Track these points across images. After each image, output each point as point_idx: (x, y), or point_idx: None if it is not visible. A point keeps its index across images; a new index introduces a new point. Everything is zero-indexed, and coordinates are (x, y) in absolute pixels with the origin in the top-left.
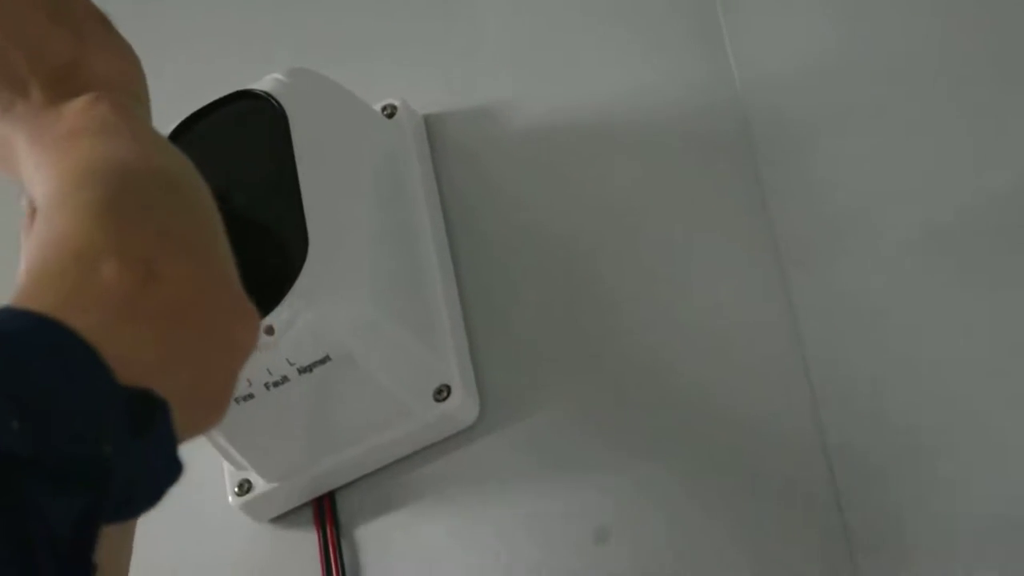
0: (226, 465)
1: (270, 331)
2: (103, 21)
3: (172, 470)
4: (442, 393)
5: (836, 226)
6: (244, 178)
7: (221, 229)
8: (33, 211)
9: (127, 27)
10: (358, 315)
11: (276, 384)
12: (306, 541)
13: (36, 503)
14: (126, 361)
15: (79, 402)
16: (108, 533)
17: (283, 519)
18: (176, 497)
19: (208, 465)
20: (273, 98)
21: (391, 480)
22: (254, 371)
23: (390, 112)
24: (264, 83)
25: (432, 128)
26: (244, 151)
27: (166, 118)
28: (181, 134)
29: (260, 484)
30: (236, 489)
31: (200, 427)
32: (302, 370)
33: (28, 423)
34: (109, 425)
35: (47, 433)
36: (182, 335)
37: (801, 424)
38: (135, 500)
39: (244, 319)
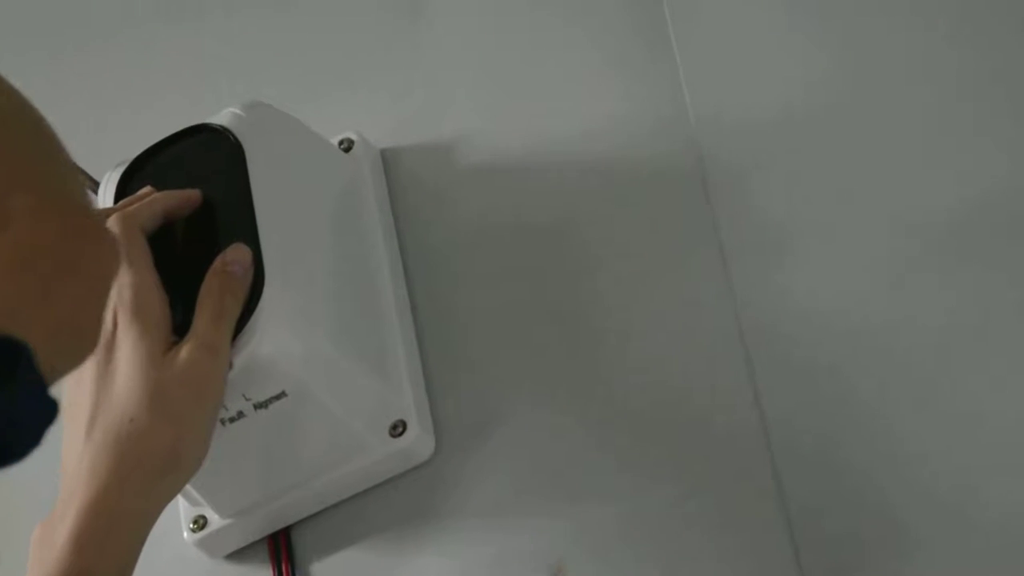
0: (181, 500)
1: (229, 366)
2: None
3: (46, 411)
4: (398, 428)
5: (782, 247)
6: (201, 211)
7: (58, 147)
8: None
9: (90, 61)
10: (314, 351)
11: (232, 420)
12: None
13: None
14: None
15: None
16: None
17: (238, 555)
18: None
19: None
20: (230, 132)
21: (347, 516)
22: None
23: (347, 146)
24: (221, 117)
25: (389, 162)
26: (201, 184)
27: (123, 151)
28: (139, 167)
29: (215, 520)
30: (191, 525)
31: (74, 361)
32: (258, 405)
33: None
34: None
35: None
36: (36, 276)
37: (755, 449)
38: (13, 446)
39: (101, 247)
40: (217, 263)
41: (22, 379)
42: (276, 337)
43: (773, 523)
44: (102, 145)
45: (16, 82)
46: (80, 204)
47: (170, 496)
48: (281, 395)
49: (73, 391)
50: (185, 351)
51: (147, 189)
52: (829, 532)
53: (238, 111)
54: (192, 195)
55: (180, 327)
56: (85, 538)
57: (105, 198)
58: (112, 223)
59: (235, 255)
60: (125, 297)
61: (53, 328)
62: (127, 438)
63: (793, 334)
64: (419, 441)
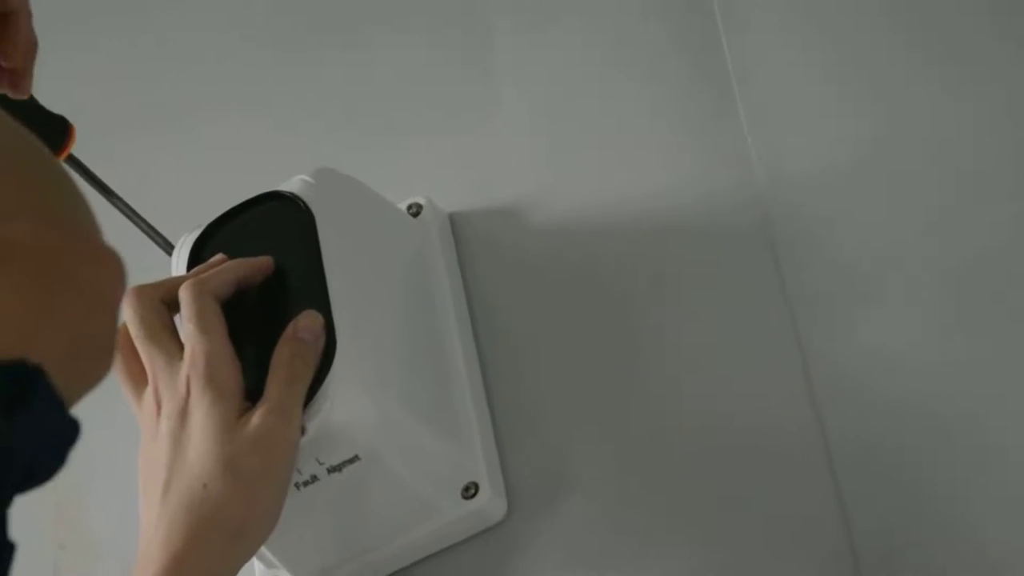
0: (257, 563)
1: (302, 431)
2: None
3: (67, 432)
4: (470, 490)
5: (849, 301)
6: (272, 279)
7: (59, 176)
8: None
9: (162, 131)
10: (386, 415)
11: (306, 483)
12: None
13: None
14: None
15: None
16: None
17: None
18: None
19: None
20: (299, 199)
21: None
22: None
23: (416, 211)
24: (290, 184)
25: (458, 226)
26: (272, 252)
27: (195, 219)
28: (211, 234)
29: None
30: None
31: (91, 379)
32: (331, 469)
33: None
34: None
35: None
36: (45, 298)
37: (829, 515)
38: (38, 469)
39: (104, 263)
40: (289, 330)
41: (41, 402)
42: (348, 402)
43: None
44: (177, 211)
45: (98, 147)
46: (80, 227)
47: (244, 560)
48: (354, 459)
49: (149, 455)
50: (257, 416)
51: (219, 256)
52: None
53: (307, 178)
54: (264, 262)
55: (252, 393)
56: None
57: (178, 264)
58: (185, 290)
59: (307, 322)
60: (199, 364)
61: (64, 348)
62: (201, 503)
63: (863, 389)
64: (491, 503)
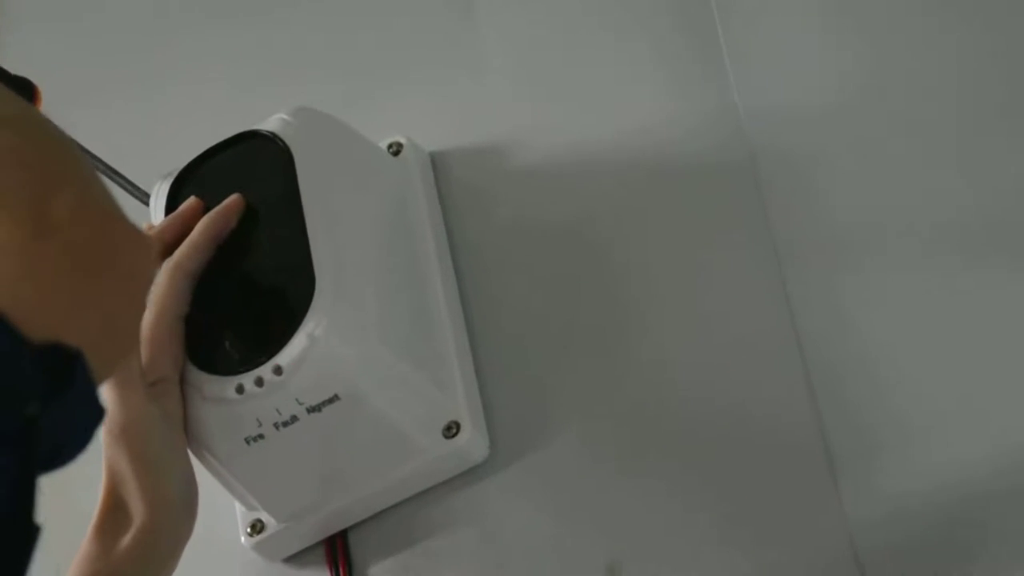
0: (238, 505)
1: (278, 371)
2: None
3: (95, 415)
4: (451, 430)
5: (836, 243)
6: (251, 219)
7: (88, 162)
8: None
9: (136, 69)
10: (365, 353)
11: (286, 424)
12: None
13: None
14: (33, 318)
15: None
16: None
17: (296, 559)
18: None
19: (220, 505)
20: (278, 138)
21: (403, 518)
22: (264, 411)
23: (396, 150)
24: (269, 123)
25: (438, 165)
26: (250, 192)
27: (171, 161)
28: (188, 176)
29: (272, 524)
30: (248, 529)
31: (118, 362)
32: (311, 409)
33: None
34: (27, 388)
35: None
36: (83, 279)
37: (810, 445)
38: (65, 450)
39: (138, 245)
40: None
41: (77, 385)
42: (328, 341)
43: (834, 524)
44: (151, 155)
45: (65, 94)
46: (115, 207)
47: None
48: (334, 398)
49: None
50: None
51: (191, 201)
52: (888, 539)
53: (286, 117)
54: (233, 204)
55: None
56: None
57: (156, 209)
58: (162, 270)
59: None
60: None
61: (99, 331)
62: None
63: (849, 335)
64: (473, 442)
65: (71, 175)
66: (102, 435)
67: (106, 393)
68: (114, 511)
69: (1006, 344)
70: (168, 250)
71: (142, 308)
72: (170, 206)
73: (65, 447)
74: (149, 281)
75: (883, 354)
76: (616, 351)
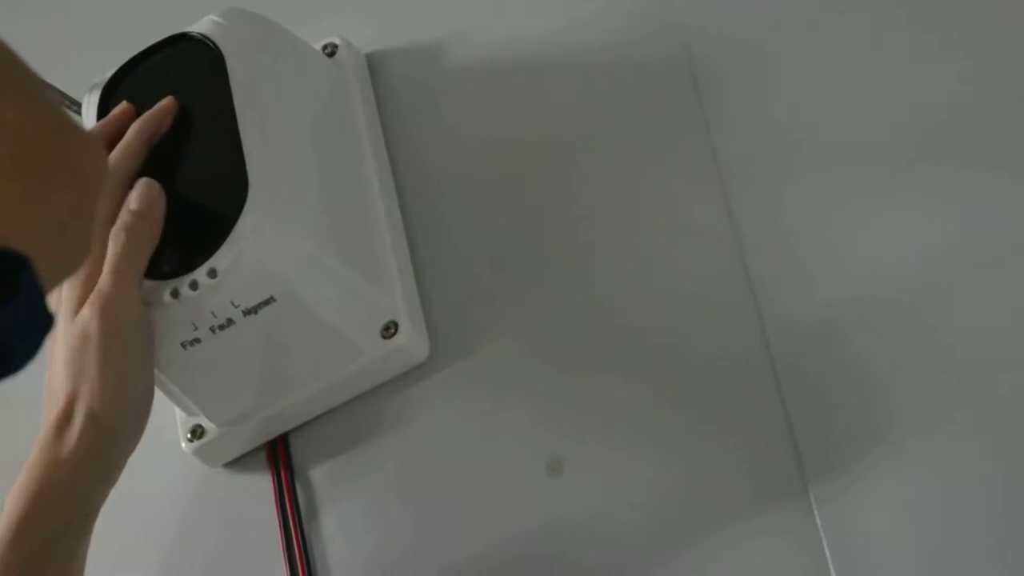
0: (178, 411)
1: (212, 273)
2: None
3: (43, 322)
4: (389, 330)
5: (775, 144)
6: (183, 122)
7: (32, 72)
8: None
9: None
10: (300, 253)
11: (222, 327)
12: (261, 484)
13: None
14: None
15: None
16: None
17: (237, 463)
18: None
19: (160, 411)
20: (210, 40)
21: (344, 420)
22: (199, 315)
23: (331, 51)
24: (200, 25)
25: (375, 66)
26: (183, 96)
27: (103, 64)
28: (119, 81)
29: (212, 429)
30: (188, 435)
31: (70, 269)
32: (247, 312)
33: None
34: None
35: None
36: (32, 183)
37: (750, 347)
38: (13, 358)
39: (88, 150)
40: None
41: (25, 292)
42: (261, 241)
43: (774, 421)
44: (79, 63)
45: None
46: (63, 113)
47: (121, 446)
48: (269, 300)
49: None
50: (83, 309)
51: (123, 106)
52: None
53: (217, 18)
54: (166, 107)
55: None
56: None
57: (88, 118)
58: None
59: (137, 192)
60: None
61: (49, 238)
62: (53, 404)
63: (791, 249)
64: (412, 341)
65: (14, 82)
66: (79, 332)
67: (108, 288)
68: (68, 418)
69: (956, 248)
70: None
71: (92, 219)
72: (102, 114)
73: (12, 356)
74: (100, 186)
75: (825, 266)
76: (555, 248)
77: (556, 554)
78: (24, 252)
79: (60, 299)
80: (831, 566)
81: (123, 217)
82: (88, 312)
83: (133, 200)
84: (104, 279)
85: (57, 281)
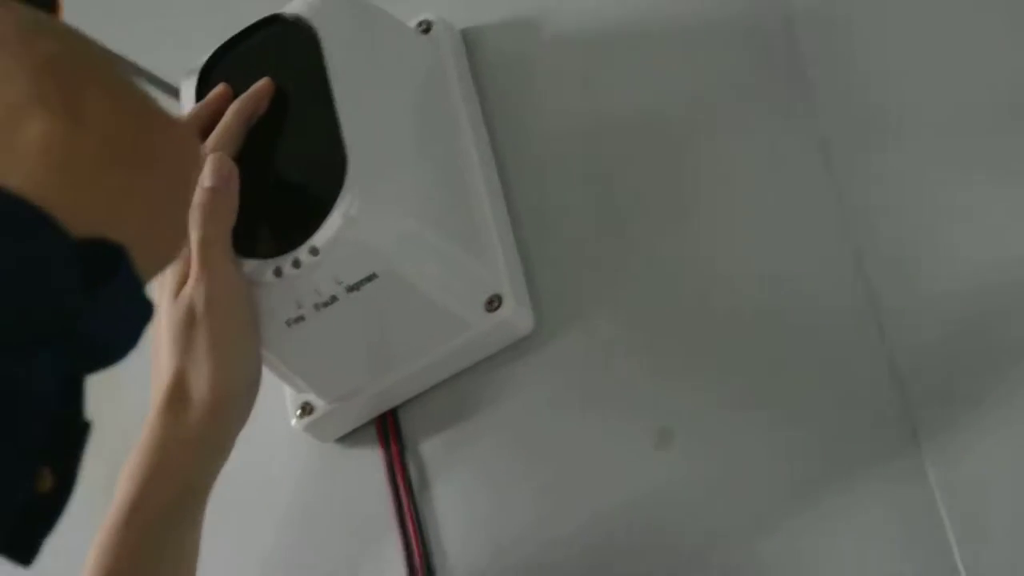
0: (287, 388)
1: (314, 251)
2: None
3: (143, 311)
4: (493, 303)
5: (880, 115)
6: (280, 104)
7: (121, 63)
8: None
9: None
10: (400, 229)
11: (326, 304)
12: (372, 459)
13: (11, 371)
14: (76, 213)
15: (31, 262)
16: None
17: (348, 438)
18: None
19: (270, 388)
20: (303, 20)
21: (451, 394)
22: (302, 293)
23: (426, 28)
24: (293, 6)
25: (470, 42)
26: (278, 76)
27: (198, 52)
28: (214, 65)
29: (321, 405)
30: (298, 412)
31: (165, 260)
32: (350, 288)
33: None
34: (66, 279)
35: (3, 298)
36: (125, 173)
37: (860, 321)
38: (113, 347)
39: (181, 140)
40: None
41: (122, 281)
42: (361, 218)
43: (885, 394)
44: (176, 51)
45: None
46: (153, 102)
47: (230, 427)
48: (372, 276)
49: None
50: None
51: (220, 88)
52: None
53: None
54: (263, 88)
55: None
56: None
57: (186, 102)
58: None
59: (210, 168)
60: None
61: (144, 228)
62: (160, 389)
63: (898, 224)
64: (516, 314)
65: (105, 72)
66: (184, 307)
67: (207, 264)
68: (179, 397)
69: None
70: (200, 138)
71: (186, 208)
72: (199, 99)
73: (112, 344)
74: (195, 176)
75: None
76: (658, 221)
77: (665, 526)
78: (120, 242)
79: (161, 284)
80: (948, 531)
81: (199, 195)
82: (192, 289)
83: (207, 177)
84: (197, 258)
85: (155, 270)
